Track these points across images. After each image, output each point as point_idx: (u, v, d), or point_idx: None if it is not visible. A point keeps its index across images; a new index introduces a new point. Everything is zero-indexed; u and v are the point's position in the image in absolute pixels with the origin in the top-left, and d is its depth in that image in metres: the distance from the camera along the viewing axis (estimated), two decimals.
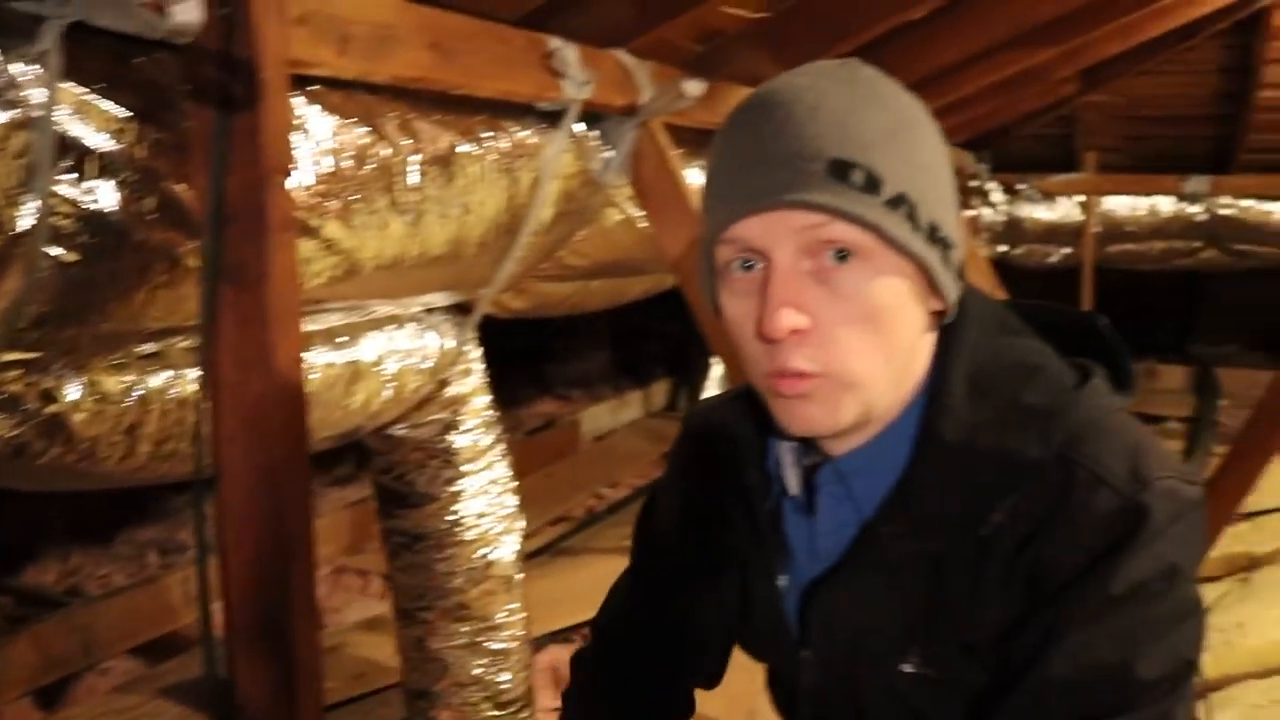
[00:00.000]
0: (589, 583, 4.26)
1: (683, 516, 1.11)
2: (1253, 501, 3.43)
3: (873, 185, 0.80)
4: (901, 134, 0.84)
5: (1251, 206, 6.45)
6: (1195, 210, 6.55)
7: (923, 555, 0.89)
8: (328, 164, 1.66)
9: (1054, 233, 6.76)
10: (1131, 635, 0.81)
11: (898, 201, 0.81)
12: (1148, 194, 6.62)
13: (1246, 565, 3.93)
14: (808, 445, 0.96)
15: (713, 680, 1.19)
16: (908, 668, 0.91)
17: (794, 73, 0.87)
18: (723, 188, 0.86)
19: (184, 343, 1.76)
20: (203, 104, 1.37)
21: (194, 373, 1.75)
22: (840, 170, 0.80)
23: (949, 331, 0.90)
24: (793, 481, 0.96)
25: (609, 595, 1.23)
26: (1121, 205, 6.69)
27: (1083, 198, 6.68)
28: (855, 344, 0.83)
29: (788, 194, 0.80)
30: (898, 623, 0.91)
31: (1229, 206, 6.49)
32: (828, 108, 0.82)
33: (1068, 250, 6.85)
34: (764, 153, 0.82)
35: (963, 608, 0.87)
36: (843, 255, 0.82)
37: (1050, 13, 3.56)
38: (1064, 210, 6.72)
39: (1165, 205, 6.61)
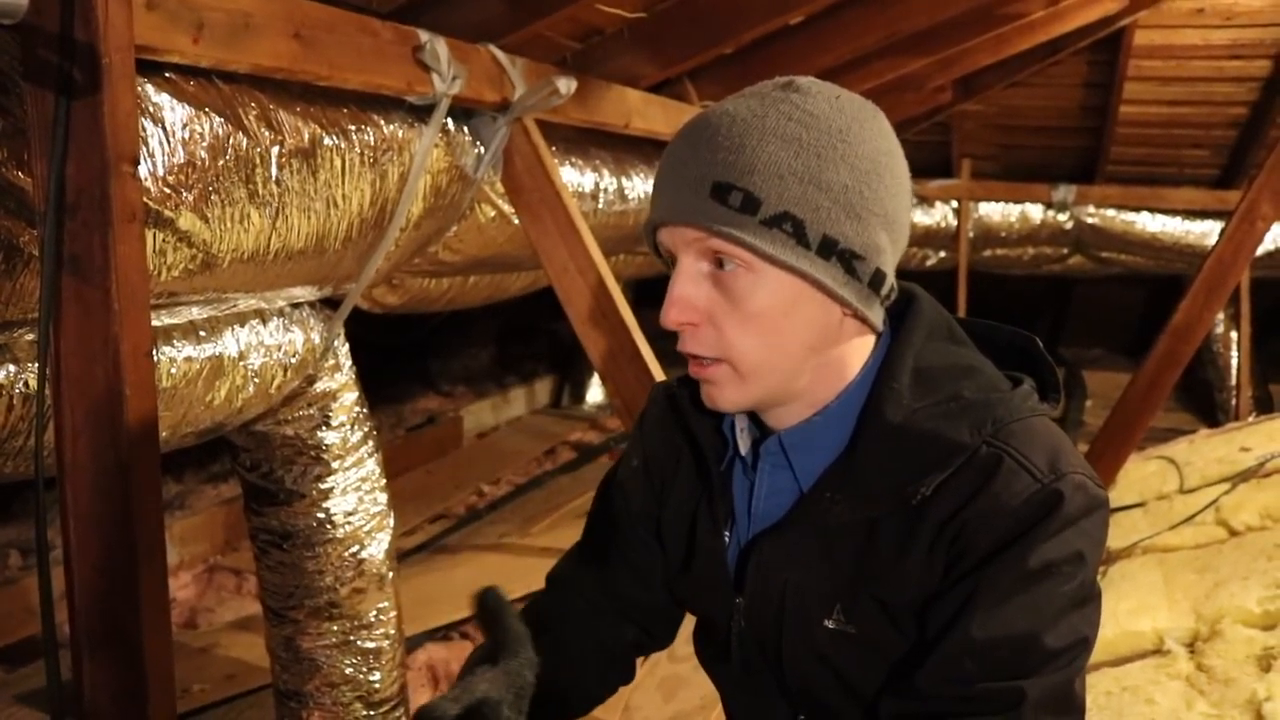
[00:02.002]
0: (468, 580, 4.23)
1: (645, 476, 1.19)
2: (1110, 498, 3.60)
3: (750, 205, 0.90)
4: (806, 154, 0.91)
5: (1115, 216, 6.75)
6: (1063, 219, 6.83)
7: (858, 521, 0.98)
8: (182, 154, 1.62)
9: (930, 236, 6.95)
10: (1041, 609, 0.90)
11: (779, 220, 0.90)
12: (1018, 201, 6.88)
13: (1104, 560, 4.09)
14: (754, 417, 1.05)
15: (660, 641, 1.25)
16: (830, 624, 1.00)
17: (736, 94, 0.96)
18: (653, 198, 0.98)
19: (30, 335, 1.70)
20: (42, 89, 1.32)
21: None
22: (720, 192, 0.90)
23: (900, 329, 1.00)
24: (744, 444, 1.05)
25: (565, 554, 1.27)
26: (994, 211, 6.94)
27: (957, 203, 6.90)
28: (742, 339, 0.94)
29: (678, 213, 0.93)
30: (826, 581, 1.00)
31: (1094, 215, 6.78)
32: (730, 133, 0.91)
33: (944, 254, 7.07)
34: (673, 172, 0.94)
35: (888, 571, 0.96)
36: (725, 264, 0.93)
37: (923, 23, 3.68)
38: (940, 215, 6.92)
39: (1035, 213, 6.88)
